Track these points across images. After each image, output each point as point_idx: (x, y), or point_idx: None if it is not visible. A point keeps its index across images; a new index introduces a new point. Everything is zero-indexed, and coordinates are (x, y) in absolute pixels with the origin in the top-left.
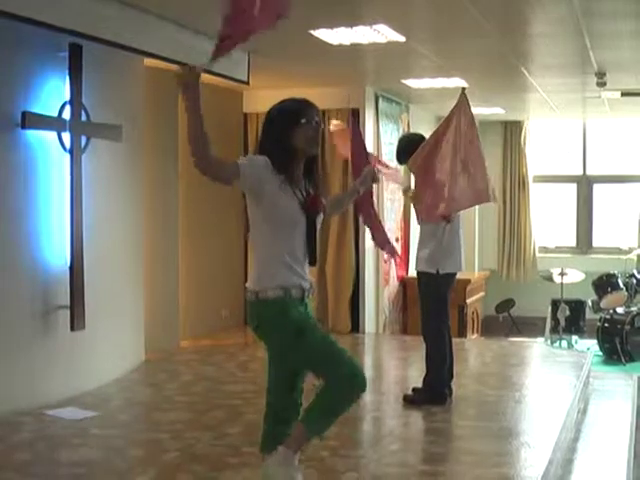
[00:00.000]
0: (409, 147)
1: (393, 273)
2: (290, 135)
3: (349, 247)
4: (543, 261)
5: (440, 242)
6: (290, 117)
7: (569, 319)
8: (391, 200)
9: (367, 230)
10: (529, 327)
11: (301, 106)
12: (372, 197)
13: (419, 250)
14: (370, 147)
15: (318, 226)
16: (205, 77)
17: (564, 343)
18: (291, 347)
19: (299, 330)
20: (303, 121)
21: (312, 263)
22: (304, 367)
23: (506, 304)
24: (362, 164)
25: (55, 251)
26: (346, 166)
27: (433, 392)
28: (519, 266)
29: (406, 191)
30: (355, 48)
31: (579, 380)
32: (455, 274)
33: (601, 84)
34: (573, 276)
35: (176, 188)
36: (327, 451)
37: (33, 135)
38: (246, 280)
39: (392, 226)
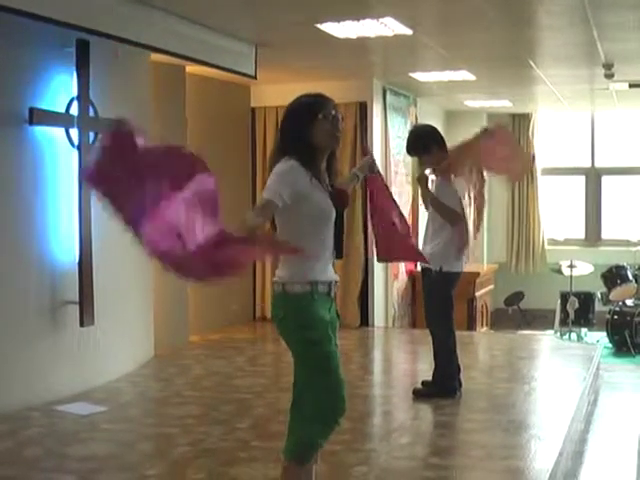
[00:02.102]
0: (418, 141)
1: (402, 267)
2: (309, 131)
3: (358, 241)
4: (552, 254)
5: (445, 240)
6: (306, 113)
7: (578, 311)
8: (399, 193)
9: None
10: (538, 320)
11: (317, 101)
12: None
13: (424, 246)
14: (378, 141)
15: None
16: (212, 71)
17: (573, 336)
18: (302, 345)
19: (319, 340)
20: (320, 116)
21: (340, 256)
22: (296, 373)
23: (515, 297)
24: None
25: (64, 247)
26: (354, 159)
27: (443, 385)
28: (528, 259)
29: (420, 179)
30: (362, 41)
31: (589, 372)
32: (459, 273)
33: (609, 76)
34: (582, 268)
35: None
36: (338, 445)
37: (41, 131)
38: (255, 274)
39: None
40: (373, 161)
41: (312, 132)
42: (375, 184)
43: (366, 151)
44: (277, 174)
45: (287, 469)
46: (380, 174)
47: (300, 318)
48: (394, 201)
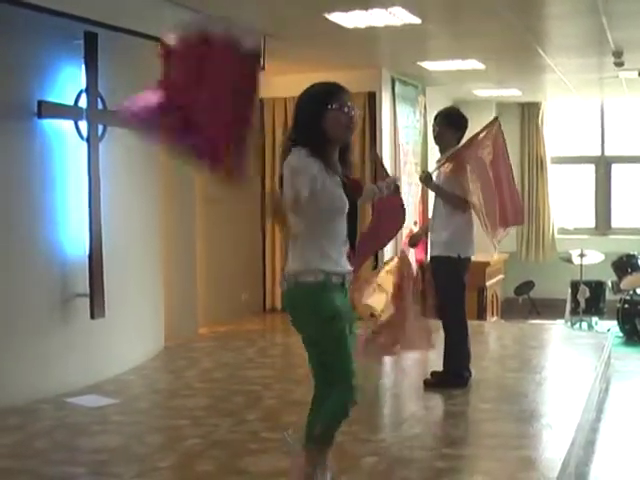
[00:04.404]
0: (441, 116)
1: (412, 257)
2: (321, 120)
3: None
4: (562, 243)
5: (459, 226)
6: (319, 102)
7: (589, 300)
8: (409, 184)
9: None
10: (549, 309)
11: (331, 90)
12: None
13: (436, 234)
14: (387, 131)
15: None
16: None
17: (584, 325)
18: (323, 333)
19: (332, 317)
20: (334, 106)
21: (353, 247)
22: (320, 356)
23: (525, 286)
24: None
25: (74, 239)
26: (362, 150)
27: (453, 375)
28: (538, 248)
29: (422, 178)
30: (370, 31)
31: (600, 361)
32: (471, 258)
33: (618, 64)
34: (592, 257)
35: (193, 174)
36: (348, 435)
37: (50, 124)
38: (264, 266)
39: (409, 209)
40: (397, 183)
41: (324, 121)
42: (388, 205)
43: (377, 158)
44: (295, 168)
45: (309, 454)
46: (400, 196)
47: (313, 304)
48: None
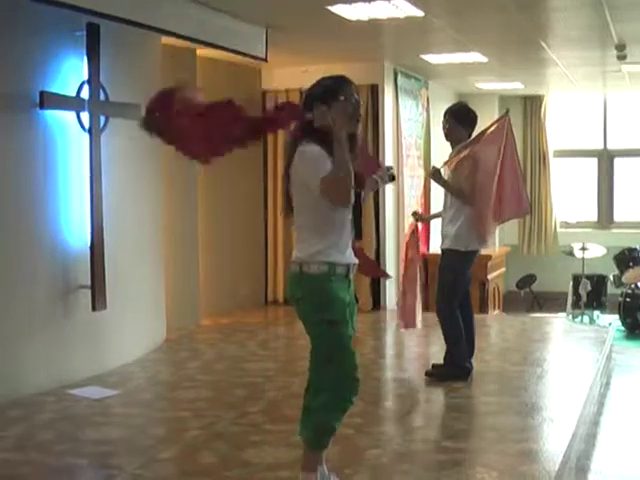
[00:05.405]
0: (450, 113)
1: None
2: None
3: (369, 224)
4: (564, 236)
5: (466, 220)
6: (328, 95)
7: (591, 294)
8: (411, 177)
9: None
10: (550, 302)
11: (338, 83)
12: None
13: (446, 228)
14: (390, 124)
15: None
16: (223, 54)
17: (586, 318)
18: (320, 326)
19: (335, 322)
20: (341, 98)
21: (358, 236)
22: (312, 356)
23: (527, 279)
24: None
25: (75, 231)
26: (364, 142)
27: (455, 368)
28: (540, 241)
29: (431, 175)
30: (373, 23)
31: (601, 355)
32: (477, 251)
33: (621, 57)
34: (594, 251)
35: (195, 166)
36: (351, 428)
37: (51, 115)
38: (266, 259)
39: (412, 202)
40: (392, 172)
41: (332, 113)
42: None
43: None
44: (314, 160)
45: (308, 456)
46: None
47: (318, 298)
48: None
